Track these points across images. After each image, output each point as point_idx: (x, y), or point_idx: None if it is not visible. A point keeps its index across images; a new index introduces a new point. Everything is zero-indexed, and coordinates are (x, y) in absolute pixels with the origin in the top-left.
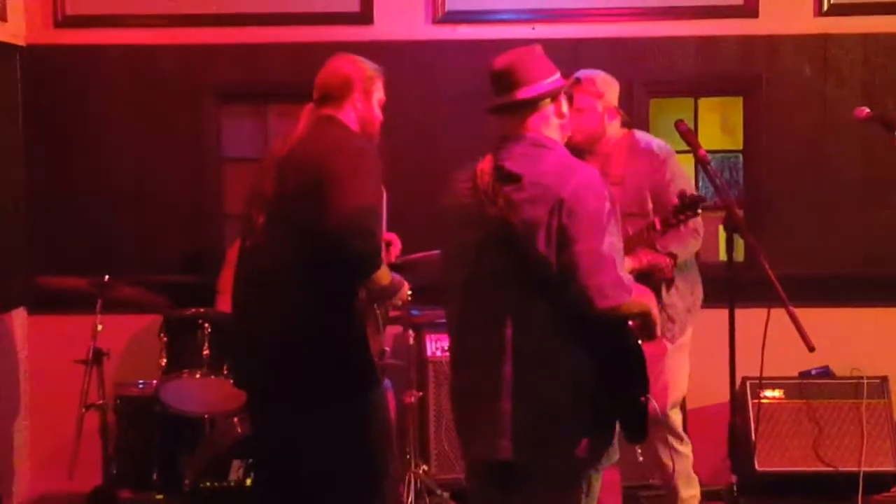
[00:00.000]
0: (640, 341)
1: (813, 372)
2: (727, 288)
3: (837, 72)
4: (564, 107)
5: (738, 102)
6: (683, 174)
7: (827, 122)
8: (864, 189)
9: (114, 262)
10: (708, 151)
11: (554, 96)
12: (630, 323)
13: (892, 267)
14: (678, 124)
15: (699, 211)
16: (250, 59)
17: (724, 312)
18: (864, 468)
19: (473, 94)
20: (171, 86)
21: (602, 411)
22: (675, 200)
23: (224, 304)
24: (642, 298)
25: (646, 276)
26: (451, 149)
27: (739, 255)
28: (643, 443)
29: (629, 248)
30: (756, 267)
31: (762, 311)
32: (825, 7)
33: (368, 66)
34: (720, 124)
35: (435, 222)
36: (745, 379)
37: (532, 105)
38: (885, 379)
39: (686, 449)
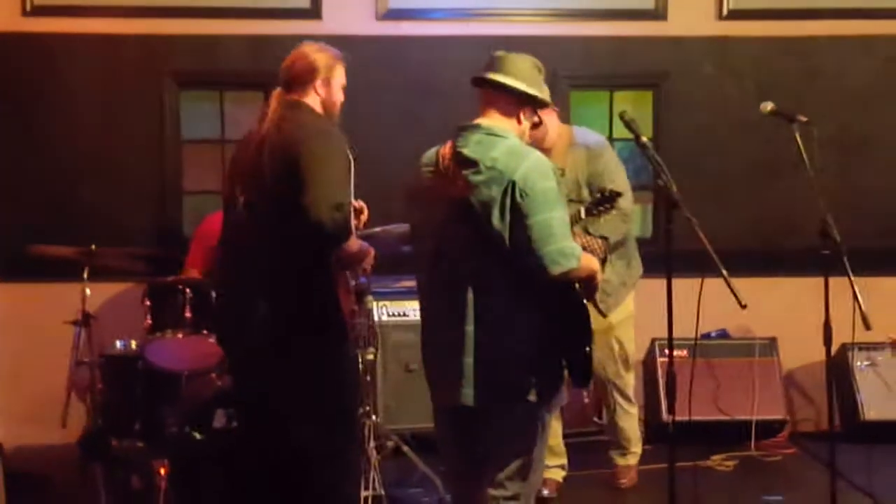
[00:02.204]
0: (584, 301)
1: (712, 334)
2: (664, 259)
3: (735, 69)
4: (525, 118)
5: (648, 96)
6: (617, 166)
7: (725, 115)
8: (755, 174)
9: (81, 233)
10: (621, 139)
11: (522, 103)
12: (577, 285)
13: (778, 241)
14: (622, 115)
15: (613, 204)
16: (208, 49)
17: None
18: (756, 416)
19: (413, 84)
20: (134, 72)
21: (552, 361)
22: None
23: (190, 275)
24: (588, 263)
25: None
26: (392, 133)
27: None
28: (587, 387)
29: None
30: (677, 240)
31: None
32: (725, 12)
33: (331, 53)
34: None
35: (381, 199)
36: (653, 340)
37: (507, 96)
38: (773, 340)
39: (633, 409)
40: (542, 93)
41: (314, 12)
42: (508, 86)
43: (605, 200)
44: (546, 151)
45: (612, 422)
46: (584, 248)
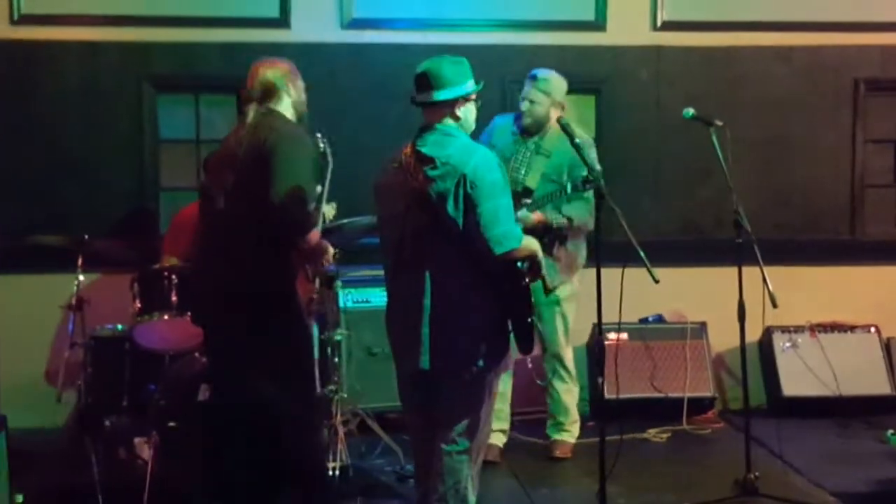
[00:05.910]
0: (528, 279)
1: (649, 319)
2: (595, 249)
3: (668, 76)
4: (461, 111)
5: (591, 100)
6: (595, 160)
7: (659, 117)
8: (686, 172)
9: (66, 227)
10: None
11: (458, 101)
12: (524, 265)
13: (708, 233)
14: (559, 120)
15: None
16: (184, 55)
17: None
18: (688, 394)
19: (376, 88)
20: (115, 77)
21: (499, 332)
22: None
23: (167, 262)
24: (529, 244)
25: (546, 229)
26: (356, 133)
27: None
28: (530, 353)
29: (541, 205)
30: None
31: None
32: (659, 24)
33: (287, 63)
34: (576, 118)
35: (347, 194)
36: (594, 324)
37: (442, 105)
38: (703, 324)
39: (575, 387)
40: (466, 85)
41: (283, 21)
42: (438, 101)
43: (590, 181)
44: (542, 136)
45: (554, 398)
46: (551, 224)
